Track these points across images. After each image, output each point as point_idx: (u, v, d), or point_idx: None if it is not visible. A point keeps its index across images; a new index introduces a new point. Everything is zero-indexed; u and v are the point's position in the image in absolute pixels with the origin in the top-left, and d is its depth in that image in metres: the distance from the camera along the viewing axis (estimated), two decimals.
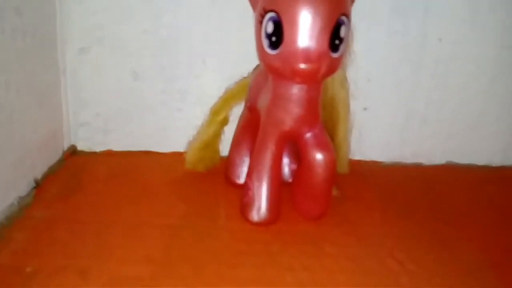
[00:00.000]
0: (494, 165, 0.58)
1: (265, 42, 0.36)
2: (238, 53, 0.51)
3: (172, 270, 0.36)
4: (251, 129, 0.46)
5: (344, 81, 0.47)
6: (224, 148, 0.52)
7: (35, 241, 0.38)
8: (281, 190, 0.44)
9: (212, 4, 0.50)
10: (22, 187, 0.45)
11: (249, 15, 0.40)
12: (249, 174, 0.43)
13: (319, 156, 0.41)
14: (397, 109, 0.56)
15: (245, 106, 0.49)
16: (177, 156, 0.53)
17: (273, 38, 0.35)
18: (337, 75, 0.45)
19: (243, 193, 0.44)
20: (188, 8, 0.50)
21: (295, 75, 0.36)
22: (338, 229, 0.43)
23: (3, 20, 0.40)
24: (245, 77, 0.51)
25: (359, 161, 0.57)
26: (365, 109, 0.56)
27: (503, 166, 0.58)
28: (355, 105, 0.52)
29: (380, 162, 0.58)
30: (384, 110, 0.56)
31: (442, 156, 0.58)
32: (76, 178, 0.50)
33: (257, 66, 0.49)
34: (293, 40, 0.34)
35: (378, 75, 0.54)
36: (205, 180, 0.51)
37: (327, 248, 0.40)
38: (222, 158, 0.53)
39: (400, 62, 0.53)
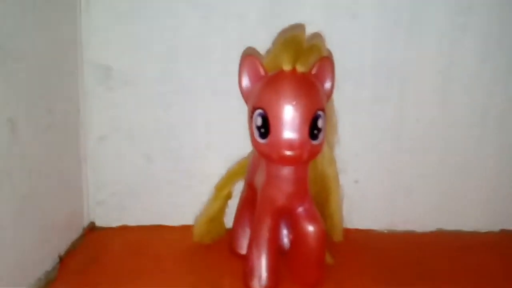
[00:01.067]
0: (482, 231, 0.62)
1: (256, 133, 0.43)
2: (237, 136, 0.57)
3: None
4: (251, 203, 0.52)
5: (331, 160, 0.53)
6: (229, 221, 0.58)
7: None
8: (279, 259, 0.49)
9: (214, 96, 0.58)
10: (48, 262, 0.50)
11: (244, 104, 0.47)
12: (249, 246, 0.48)
13: (310, 228, 0.47)
14: (385, 181, 0.61)
15: (245, 183, 0.55)
16: (186, 229, 0.58)
17: (262, 130, 0.42)
18: (325, 153, 0.51)
19: (245, 264, 0.48)
20: (192, 100, 0.58)
21: (281, 160, 0.43)
22: None
23: (39, 118, 0.48)
24: (244, 158, 0.57)
25: (353, 230, 0.61)
26: (356, 181, 0.61)
27: (490, 231, 0.62)
28: (346, 179, 0.58)
29: (373, 230, 0.62)
30: (373, 182, 0.61)
31: (431, 223, 0.63)
32: (95, 253, 0.55)
33: None
34: (278, 132, 0.42)
35: (364, 150, 0.60)
36: (211, 251, 0.56)
37: None
38: (227, 230, 0.58)
39: (382, 140, 0.59)
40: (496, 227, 0.63)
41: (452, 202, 0.62)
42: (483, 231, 0.63)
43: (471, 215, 0.63)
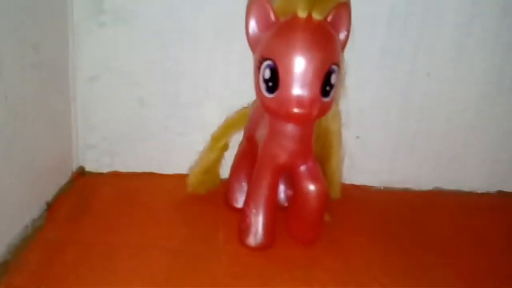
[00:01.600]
0: (479, 191, 0.62)
1: (263, 86, 0.40)
2: (239, 85, 0.54)
3: None
4: (249, 157, 0.50)
5: (336, 114, 0.50)
6: (224, 172, 0.56)
7: (47, 263, 0.41)
8: (276, 216, 0.47)
9: (215, 38, 0.53)
10: (35, 209, 0.48)
11: (250, 50, 0.43)
12: (247, 202, 0.47)
13: (312, 187, 0.45)
14: (387, 138, 0.59)
15: (244, 135, 0.52)
16: (179, 178, 0.56)
17: (270, 84, 0.39)
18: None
19: (241, 220, 0.47)
20: (193, 41, 0.54)
21: (289, 118, 0.40)
22: (328, 254, 0.47)
23: (24, 58, 0.43)
24: (245, 107, 0.54)
25: (351, 186, 0.60)
26: (357, 137, 0.59)
27: (487, 192, 0.62)
28: (348, 134, 0.55)
29: (371, 187, 0.61)
30: (375, 139, 0.59)
31: (429, 182, 0.62)
32: (84, 199, 0.53)
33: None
34: (288, 87, 0.38)
35: (369, 107, 0.57)
36: (205, 203, 0.54)
37: (316, 273, 0.44)
38: (222, 181, 0.56)
39: (390, 95, 0.57)
40: (493, 188, 0.63)
41: (452, 161, 0.61)
42: (480, 191, 0.62)
43: (469, 175, 0.62)
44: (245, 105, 0.54)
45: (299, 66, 0.37)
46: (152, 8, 0.52)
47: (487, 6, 0.53)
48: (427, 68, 0.56)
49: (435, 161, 0.60)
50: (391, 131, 0.59)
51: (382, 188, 0.61)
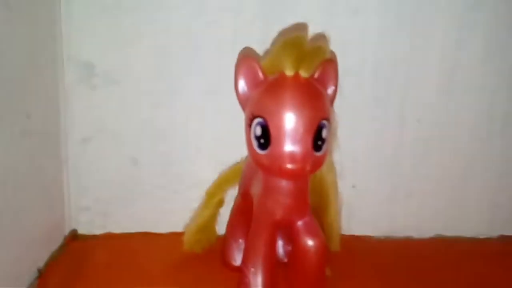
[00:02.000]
0: (481, 236, 0.61)
1: (254, 143, 0.40)
2: (230, 140, 0.54)
3: None
4: (244, 213, 0.49)
5: (330, 166, 0.50)
6: (221, 228, 0.55)
7: None
8: (276, 273, 0.46)
9: (206, 96, 0.54)
10: (26, 278, 0.46)
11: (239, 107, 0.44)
12: (244, 261, 0.45)
13: (310, 242, 0.44)
14: (384, 186, 0.59)
15: (239, 192, 0.52)
16: (175, 237, 0.54)
17: (262, 140, 0.39)
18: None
19: (240, 281, 0.45)
20: (183, 100, 0.54)
21: (282, 174, 0.39)
22: None
23: (15, 124, 0.43)
24: (238, 162, 0.54)
25: (350, 237, 0.59)
26: (353, 186, 0.58)
27: (489, 237, 0.61)
28: (343, 184, 0.55)
29: (371, 237, 0.60)
30: (371, 187, 0.59)
31: (430, 229, 0.61)
32: (77, 264, 0.51)
33: None
34: (280, 143, 0.38)
35: (363, 156, 0.57)
36: (202, 262, 0.52)
37: None
38: (218, 237, 0.55)
39: (382, 143, 0.57)
40: (495, 233, 0.61)
41: (452, 207, 0.60)
42: (482, 237, 0.61)
43: (470, 220, 0.61)
44: (238, 160, 0.54)
45: (290, 123, 0.38)
46: (143, 70, 0.53)
47: (470, 50, 0.54)
48: (416, 114, 0.56)
49: (434, 207, 0.60)
50: (386, 178, 0.58)
51: (383, 238, 0.60)
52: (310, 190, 0.46)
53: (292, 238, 0.45)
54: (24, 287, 0.46)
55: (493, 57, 0.55)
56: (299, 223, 0.44)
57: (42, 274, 0.49)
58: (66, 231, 0.57)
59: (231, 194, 0.54)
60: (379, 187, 0.59)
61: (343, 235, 0.56)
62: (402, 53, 0.54)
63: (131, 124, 0.55)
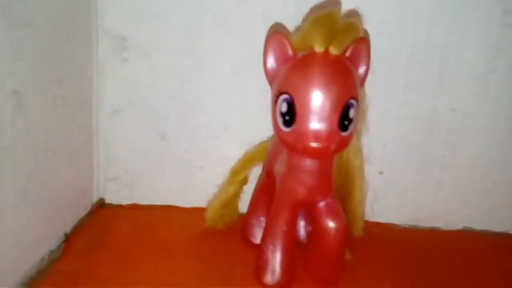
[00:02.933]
0: (510, 232, 0.59)
1: (280, 120, 0.39)
2: (257, 119, 0.54)
3: None
4: (267, 192, 0.49)
5: (358, 150, 0.49)
6: (243, 206, 0.55)
7: None
8: (295, 254, 0.46)
9: (234, 74, 0.54)
10: (53, 241, 0.48)
11: (267, 85, 0.43)
12: (264, 239, 0.45)
13: (331, 224, 0.43)
14: (412, 174, 0.57)
15: (263, 170, 0.52)
16: (198, 212, 0.55)
17: (287, 117, 0.38)
18: (352, 143, 0.47)
19: (258, 257, 0.45)
20: (211, 77, 0.54)
21: (306, 152, 0.39)
22: None
23: (47, 91, 0.44)
24: (264, 141, 0.54)
25: (374, 223, 0.58)
26: (380, 173, 0.57)
27: None
28: (371, 169, 0.54)
29: (396, 225, 0.59)
30: (399, 174, 0.57)
31: (458, 221, 0.59)
32: (102, 232, 0.53)
33: None
34: (305, 121, 0.37)
35: (392, 141, 0.56)
36: (223, 238, 0.53)
37: None
38: (240, 215, 0.55)
39: (413, 130, 0.55)
40: None
41: (482, 199, 0.58)
42: (510, 232, 0.59)
43: (500, 215, 0.58)
44: (264, 139, 0.54)
45: (316, 100, 0.37)
46: (173, 45, 0.53)
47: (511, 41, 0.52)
48: (451, 103, 0.54)
49: (463, 199, 0.58)
50: (415, 167, 0.57)
51: (407, 227, 0.59)
52: (336, 173, 0.45)
53: (313, 219, 0.45)
54: (51, 249, 0.47)
55: None
56: (321, 204, 0.43)
57: (69, 239, 0.50)
58: (94, 200, 0.58)
59: (256, 173, 0.54)
60: (407, 175, 0.57)
61: (367, 221, 0.55)
62: (440, 37, 0.52)
63: (160, 99, 0.56)
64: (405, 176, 0.57)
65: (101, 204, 0.58)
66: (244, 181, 0.53)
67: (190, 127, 0.56)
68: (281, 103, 0.39)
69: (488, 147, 0.55)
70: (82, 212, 0.55)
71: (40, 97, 0.43)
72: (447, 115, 0.55)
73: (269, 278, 0.44)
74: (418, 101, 0.54)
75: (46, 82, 0.44)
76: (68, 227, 0.51)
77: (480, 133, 0.55)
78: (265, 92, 0.44)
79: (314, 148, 0.38)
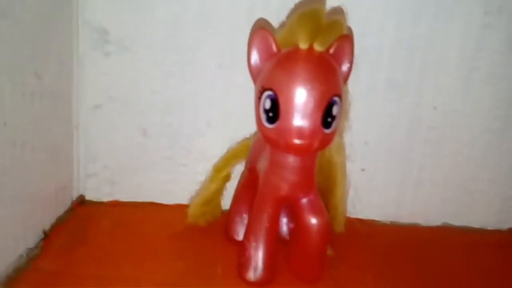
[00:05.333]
0: (489, 228, 0.60)
1: (263, 116, 0.39)
2: (240, 116, 0.53)
3: None
4: (250, 188, 0.49)
5: (340, 147, 0.49)
6: (226, 203, 0.55)
7: None
8: (277, 250, 0.46)
9: (217, 70, 0.53)
10: (31, 238, 0.47)
11: (251, 82, 0.43)
12: (246, 235, 0.45)
13: (313, 220, 0.43)
14: (393, 171, 0.58)
15: (246, 166, 0.51)
16: (180, 209, 0.55)
17: (270, 114, 0.38)
18: (335, 140, 0.48)
19: (240, 253, 0.45)
20: (194, 72, 0.54)
21: (289, 149, 0.39)
22: None
23: (24, 84, 0.43)
24: (247, 138, 0.53)
25: (356, 220, 0.58)
26: (362, 170, 0.58)
27: (498, 229, 0.60)
28: (352, 166, 0.54)
29: (377, 221, 0.59)
30: (381, 172, 0.58)
31: (438, 217, 0.60)
32: (82, 229, 0.52)
33: None
34: (288, 118, 0.37)
35: (374, 139, 0.56)
36: (205, 235, 0.53)
37: None
38: (223, 212, 0.55)
39: (395, 128, 0.56)
40: (504, 226, 0.60)
41: (462, 196, 0.59)
42: (490, 228, 0.60)
43: (479, 211, 0.60)
44: (247, 136, 0.54)
45: (300, 97, 0.37)
46: (156, 39, 0.53)
47: (493, 41, 0.53)
48: (433, 101, 0.55)
49: (443, 195, 0.59)
50: (396, 164, 0.57)
51: (388, 223, 0.59)
52: (318, 171, 0.45)
53: (295, 215, 0.45)
54: (29, 247, 0.46)
55: None
56: (304, 200, 0.43)
57: (48, 236, 0.49)
58: (74, 196, 0.57)
59: (239, 170, 0.53)
60: (388, 172, 0.58)
61: (348, 217, 0.55)
62: (422, 37, 0.52)
63: (142, 94, 0.55)
64: (386, 173, 0.58)
65: (81, 201, 0.57)
66: (227, 178, 0.53)
67: (173, 123, 0.56)
68: (264, 100, 0.38)
69: (468, 145, 0.56)
70: (61, 209, 0.54)
71: (18, 90, 0.42)
72: (429, 113, 0.55)
73: (251, 275, 0.44)
74: (400, 99, 0.55)
75: (23, 75, 0.43)
76: (47, 224, 0.50)
77: (461, 131, 0.56)
78: (249, 89, 0.44)
79: (297, 145, 0.37)
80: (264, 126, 0.39)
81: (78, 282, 0.43)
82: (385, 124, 0.56)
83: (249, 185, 0.49)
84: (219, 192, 0.53)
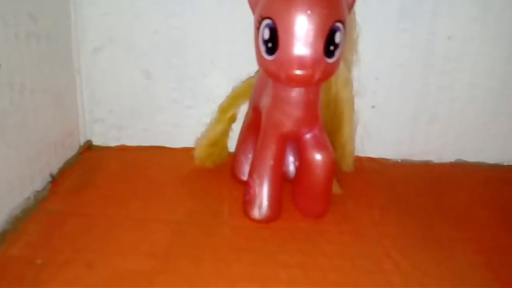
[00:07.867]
0: (505, 163, 0.58)
1: (262, 48, 0.37)
2: (244, 54, 0.51)
3: (173, 265, 0.38)
4: (255, 127, 0.47)
5: (347, 80, 0.47)
6: (232, 145, 0.54)
7: (46, 234, 0.41)
8: (282, 188, 0.45)
9: (219, 7, 0.51)
10: (39, 181, 0.47)
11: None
12: (251, 173, 0.45)
13: (318, 156, 0.42)
14: (406, 106, 0.56)
15: (250, 106, 0.50)
16: (187, 152, 0.54)
17: (269, 44, 0.36)
18: (341, 74, 0.46)
19: (245, 191, 0.45)
20: (196, 10, 0.52)
21: (290, 81, 0.37)
22: (337, 227, 0.44)
23: (18, 26, 0.42)
24: (251, 77, 0.52)
25: (366, 158, 0.57)
26: (373, 107, 0.56)
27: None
28: (362, 103, 0.53)
29: (387, 160, 0.58)
30: (392, 108, 0.56)
31: (451, 154, 0.58)
32: (90, 173, 0.52)
33: None
34: (288, 47, 0.35)
35: (386, 74, 0.54)
36: (212, 176, 0.52)
37: (324, 246, 0.41)
38: (230, 154, 0.54)
39: (408, 60, 0.53)
40: None
41: (477, 131, 0.57)
42: (506, 163, 0.58)
43: (495, 146, 0.58)
44: (251, 74, 0.52)
45: (300, 24, 0.35)
46: None
47: None
48: (448, 30, 0.52)
49: (457, 130, 0.57)
50: (409, 99, 0.55)
51: (400, 161, 0.58)
52: (324, 107, 0.44)
53: (300, 151, 0.44)
54: (37, 190, 0.46)
55: None
56: (308, 136, 0.42)
57: (55, 179, 0.49)
58: (82, 141, 0.57)
59: (244, 111, 0.52)
60: (401, 108, 0.56)
61: (358, 156, 0.54)
62: None
63: (143, 35, 0.53)
64: (398, 109, 0.56)
65: (88, 146, 0.58)
66: (233, 118, 0.52)
67: (176, 64, 0.54)
68: (263, 29, 0.36)
69: (485, 76, 0.54)
70: (69, 153, 0.54)
71: (11, 31, 0.41)
72: (444, 43, 0.52)
73: (256, 213, 0.44)
74: (413, 29, 0.51)
75: (16, 15, 0.41)
76: (54, 168, 0.51)
77: (478, 61, 0.53)
78: (252, 25, 0.41)
79: (298, 76, 0.36)
80: (264, 58, 0.38)
81: (87, 221, 0.43)
82: (397, 57, 0.53)
83: (254, 124, 0.48)
84: (225, 133, 0.53)
